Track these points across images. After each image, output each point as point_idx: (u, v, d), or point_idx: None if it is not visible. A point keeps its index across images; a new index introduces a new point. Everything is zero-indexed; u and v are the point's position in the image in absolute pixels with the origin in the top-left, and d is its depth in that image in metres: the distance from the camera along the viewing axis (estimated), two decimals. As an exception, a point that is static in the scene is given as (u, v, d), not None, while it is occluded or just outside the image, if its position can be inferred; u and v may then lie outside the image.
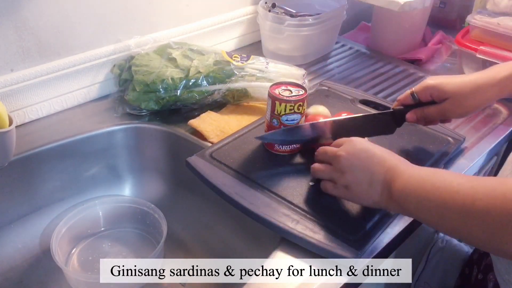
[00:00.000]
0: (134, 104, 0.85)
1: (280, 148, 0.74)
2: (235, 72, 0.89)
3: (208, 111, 0.87)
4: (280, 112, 0.70)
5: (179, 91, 0.84)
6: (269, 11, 1.05)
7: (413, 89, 0.72)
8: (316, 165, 0.66)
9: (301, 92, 0.71)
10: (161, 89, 0.84)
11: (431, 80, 0.71)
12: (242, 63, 0.90)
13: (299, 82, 0.78)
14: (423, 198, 0.53)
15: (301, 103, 0.70)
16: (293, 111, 0.70)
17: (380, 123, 0.74)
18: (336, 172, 0.62)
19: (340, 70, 1.08)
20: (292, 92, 0.71)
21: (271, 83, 0.74)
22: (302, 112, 0.71)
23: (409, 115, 0.72)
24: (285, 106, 0.70)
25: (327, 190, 0.64)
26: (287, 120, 0.71)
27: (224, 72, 0.88)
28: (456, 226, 0.50)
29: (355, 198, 0.61)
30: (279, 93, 0.71)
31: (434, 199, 0.51)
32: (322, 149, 0.66)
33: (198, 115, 0.86)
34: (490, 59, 0.95)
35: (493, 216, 0.46)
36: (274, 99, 0.70)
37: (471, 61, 1.01)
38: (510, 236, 0.45)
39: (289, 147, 0.74)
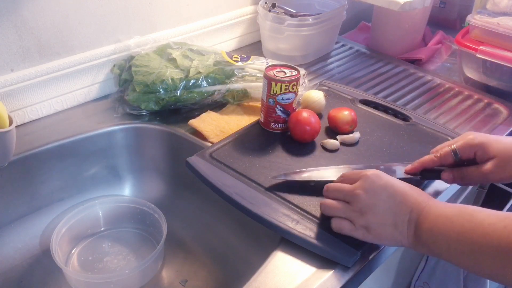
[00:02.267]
0: (134, 104, 0.85)
1: (276, 126, 0.79)
2: (235, 72, 0.89)
3: (208, 111, 0.87)
4: (276, 92, 0.75)
5: (179, 92, 0.84)
6: (269, 11, 1.05)
7: (455, 146, 0.63)
8: (328, 202, 0.60)
9: (295, 73, 0.76)
10: (161, 90, 0.84)
11: (475, 137, 0.63)
12: (242, 63, 0.90)
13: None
14: (453, 241, 0.50)
15: (295, 83, 0.75)
16: (288, 90, 0.75)
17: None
18: (354, 212, 0.57)
19: (340, 70, 1.08)
20: (286, 74, 0.76)
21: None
22: (296, 91, 0.77)
23: (445, 175, 0.64)
24: (281, 86, 0.75)
25: (343, 230, 0.58)
26: (282, 99, 0.76)
27: (224, 72, 0.88)
28: (493, 269, 0.48)
29: (377, 240, 0.57)
30: (274, 75, 0.75)
31: (465, 243, 0.49)
32: (333, 186, 0.60)
33: (198, 115, 0.86)
34: (490, 59, 0.95)
35: None
36: (270, 80, 0.75)
37: (471, 61, 1.01)
38: None
39: (284, 125, 0.79)
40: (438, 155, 0.64)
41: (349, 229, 0.58)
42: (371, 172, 0.58)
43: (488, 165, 0.61)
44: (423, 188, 0.71)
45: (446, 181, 0.65)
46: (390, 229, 0.55)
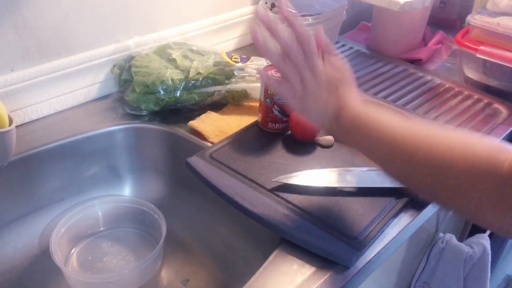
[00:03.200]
0: (134, 105, 0.85)
1: (273, 126, 0.79)
2: (235, 73, 0.89)
3: (208, 111, 0.87)
4: (273, 92, 0.75)
5: (178, 92, 0.84)
6: (270, 10, 1.05)
7: None
8: (291, 68, 0.59)
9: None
10: (161, 90, 0.84)
11: None
12: (242, 64, 0.90)
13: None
14: (364, 135, 0.55)
15: None
16: None
17: None
18: (303, 80, 0.58)
19: (340, 70, 1.07)
20: None
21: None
22: None
23: None
24: None
25: (285, 93, 0.59)
26: (279, 99, 0.76)
27: (224, 73, 0.88)
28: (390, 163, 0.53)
29: (305, 112, 0.60)
30: (272, 74, 0.75)
31: (372, 136, 0.54)
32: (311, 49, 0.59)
33: (198, 115, 0.86)
34: (490, 59, 0.95)
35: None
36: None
37: (471, 61, 1.01)
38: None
39: (281, 125, 0.79)
40: None
41: (291, 98, 0.59)
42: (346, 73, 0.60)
43: None
44: None
45: None
46: (319, 111, 0.58)
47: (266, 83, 0.74)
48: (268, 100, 0.77)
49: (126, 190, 0.89)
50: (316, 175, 0.69)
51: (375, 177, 0.69)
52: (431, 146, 0.49)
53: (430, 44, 1.21)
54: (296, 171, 0.71)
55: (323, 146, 0.78)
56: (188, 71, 0.86)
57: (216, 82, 0.87)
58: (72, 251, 0.79)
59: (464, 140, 0.48)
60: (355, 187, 0.68)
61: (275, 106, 0.77)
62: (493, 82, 1.00)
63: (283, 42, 0.59)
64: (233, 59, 0.90)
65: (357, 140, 0.57)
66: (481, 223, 0.48)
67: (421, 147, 0.50)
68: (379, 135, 0.54)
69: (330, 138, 0.78)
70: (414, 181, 0.53)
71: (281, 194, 0.66)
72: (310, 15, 1.05)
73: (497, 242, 1.11)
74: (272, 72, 0.76)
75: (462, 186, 0.47)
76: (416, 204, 0.68)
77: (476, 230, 1.08)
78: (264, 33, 0.59)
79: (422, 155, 0.50)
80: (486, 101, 0.97)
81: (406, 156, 0.51)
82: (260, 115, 0.81)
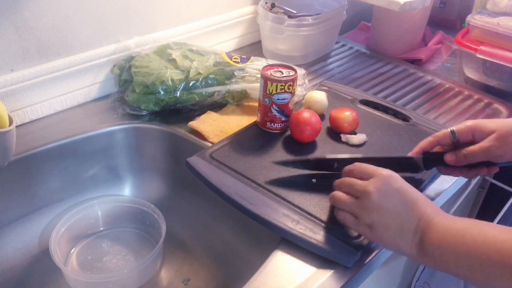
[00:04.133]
0: (134, 105, 0.85)
1: (272, 126, 0.79)
2: (235, 73, 0.89)
3: (208, 111, 0.87)
4: (272, 92, 0.75)
5: (178, 93, 0.84)
6: (270, 10, 1.05)
7: (453, 127, 0.64)
8: (338, 194, 0.59)
9: (292, 73, 0.77)
10: (160, 91, 0.84)
11: (471, 120, 0.64)
12: (242, 64, 0.90)
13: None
14: (464, 255, 0.49)
15: (291, 83, 0.75)
16: (283, 90, 0.75)
17: (407, 165, 0.68)
18: (362, 208, 0.56)
19: (340, 70, 1.08)
20: (283, 73, 0.76)
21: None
22: (292, 91, 0.77)
23: (448, 157, 0.64)
24: (276, 85, 0.75)
25: (346, 222, 0.58)
26: (278, 99, 0.76)
27: (224, 73, 0.88)
28: (504, 285, 0.47)
29: (378, 240, 0.56)
30: (271, 74, 0.76)
31: (477, 256, 0.48)
32: (347, 180, 0.59)
33: (198, 115, 0.86)
34: (490, 59, 0.95)
35: None
36: (266, 79, 0.75)
37: (471, 61, 1.01)
38: None
39: (280, 125, 0.79)
40: (436, 136, 0.65)
41: (352, 223, 0.57)
42: (387, 172, 0.57)
43: (489, 139, 0.61)
44: (426, 186, 0.71)
45: (450, 163, 0.64)
46: (394, 234, 0.54)
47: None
48: (266, 99, 0.77)
49: (126, 190, 0.89)
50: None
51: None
52: None
53: (430, 44, 1.21)
54: (296, 171, 0.71)
55: (353, 145, 0.77)
56: (188, 71, 0.86)
57: (216, 82, 0.87)
58: (72, 251, 0.79)
59: None
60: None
61: (273, 106, 0.77)
62: (493, 82, 1.00)
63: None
64: (233, 59, 0.90)
65: (452, 261, 0.50)
66: None
67: None
68: (487, 252, 0.47)
69: (360, 136, 0.78)
70: None
71: (281, 194, 0.66)
72: (310, 15, 1.05)
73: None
74: (271, 71, 0.76)
75: None
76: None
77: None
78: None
79: None
80: (486, 101, 0.97)
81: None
82: (259, 115, 0.81)
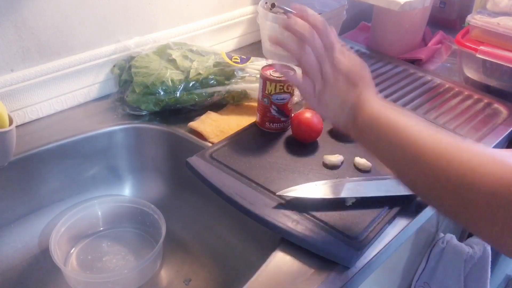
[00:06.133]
0: (134, 105, 0.85)
1: (271, 126, 0.79)
2: (235, 74, 0.88)
3: (208, 111, 0.87)
4: (271, 92, 0.76)
5: (178, 93, 0.84)
6: (270, 10, 1.05)
7: None
8: (311, 58, 0.58)
9: (291, 73, 0.75)
10: (160, 91, 0.84)
11: None
12: (242, 64, 0.90)
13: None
14: (382, 139, 0.52)
15: (290, 83, 0.75)
16: (282, 90, 0.75)
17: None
18: (322, 78, 0.57)
19: (340, 70, 1.07)
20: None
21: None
22: (291, 92, 0.77)
23: None
24: (275, 86, 0.75)
25: (306, 88, 0.59)
26: (277, 99, 0.76)
27: (224, 73, 0.88)
28: (417, 180, 0.50)
29: (324, 111, 0.59)
30: (270, 74, 0.75)
31: (392, 150, 0.51)
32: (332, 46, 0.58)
33: (198, 115, 0.86)
34: (490, 59, 0.95)
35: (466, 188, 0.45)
36: (265, 79, 0.75)
37: (471, 61, 1.01)
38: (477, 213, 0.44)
39: (279, 125, 0.79)
40: None
41: (310, 93, 0.59)
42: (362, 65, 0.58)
43: None
44: None
45: None
46: (337, 108, 0.57)
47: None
48: (265, 99, 0.77)
49: (126, 190, 0.89)
50: (318, 187, 0.67)
51: (380, 186, 0.67)
52: (456, 159, 0.46)
53: (430, 44, 1.21)
54: (296, 171, 0.71)
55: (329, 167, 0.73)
56: (188, 72, 0.86)
57: (216, 83, 0.87)
58: (72, 250, 0.79)
59: (493, 159, 0.45)
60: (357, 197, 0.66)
61: (272, 106, 0.77)
62: (493, 82, 1.00)
63: (301, 33, 0.59)
64: (233, 60, 0.90)
65: (373, 142, 0.54)
66: (502, 250, 0.46)
67: (444, 158, 0.47)
68: (398, 139, 0.51)
69: (337, 157, 0.74)
70: (430, 193, 0.50)
71: (281, 194, 0.66)
72: (310, 15, 1.05)
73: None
74: (270, 72, 0.76)
75: (486, 208, 0.43)
76: (416, 204, 0.68)
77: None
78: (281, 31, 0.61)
79: (445, 167, 0.46)
80: (486, 101, 0.97)
81: (426, 166, 0.48)
82: (258, 115, 0.81)
